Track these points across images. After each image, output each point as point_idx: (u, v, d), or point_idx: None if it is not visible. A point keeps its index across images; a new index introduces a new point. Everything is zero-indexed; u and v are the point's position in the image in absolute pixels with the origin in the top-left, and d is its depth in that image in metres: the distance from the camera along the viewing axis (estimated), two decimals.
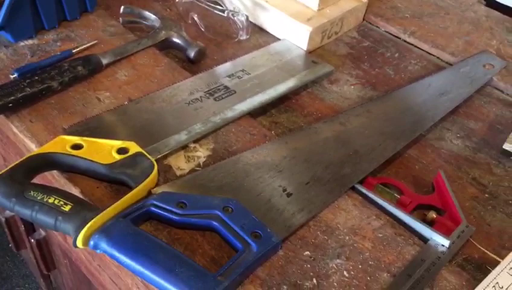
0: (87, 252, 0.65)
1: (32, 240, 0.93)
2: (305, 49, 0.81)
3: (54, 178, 0.58)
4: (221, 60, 0.78)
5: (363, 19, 0.91)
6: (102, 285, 0.68)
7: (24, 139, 0.61)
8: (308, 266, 0.50)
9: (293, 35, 0.82)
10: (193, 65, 0.77)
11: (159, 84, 0.71)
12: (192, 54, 0.76)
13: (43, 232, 0.94)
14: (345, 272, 0.50)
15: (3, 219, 0.97)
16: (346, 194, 0.58)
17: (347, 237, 0.53)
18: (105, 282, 0.66)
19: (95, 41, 0.76)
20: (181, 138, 0.62)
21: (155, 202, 0.51)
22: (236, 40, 0.83)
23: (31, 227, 0.98)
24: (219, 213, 0.51)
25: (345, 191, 0.58)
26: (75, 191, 0.55)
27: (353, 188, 0.58)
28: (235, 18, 0.82)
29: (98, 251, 0.48)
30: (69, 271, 0.93)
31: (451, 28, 0.89)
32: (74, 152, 0.56)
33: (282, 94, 0.72)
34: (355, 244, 0.52)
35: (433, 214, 0.56)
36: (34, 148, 0.60)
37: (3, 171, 0.51)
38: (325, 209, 0.56)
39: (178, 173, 0.58)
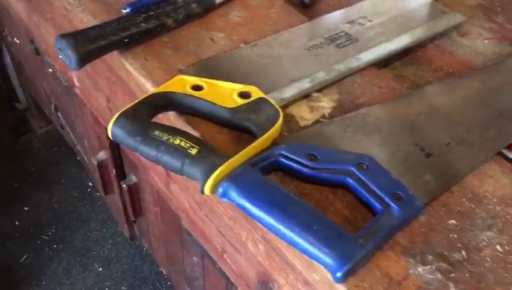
0: (194, 201, 0.62)
1: (124, 185, 0.93)
2: None
3: (169, 120, 0.54)
4: (336, 6, 0.72)
5: None
6: (204, 236, 0.66)
7: (139, 78, 0.58)
8: (455, 236, 0.44)
9: None
10: (307, 10, 0.71)
11: (274, 28, 0.65)
12: None
13: (134, 178, 0.93)
14: (498, 247, 0.44)
15: (95, 163, 0.97)
16: (493, 159, 0.51)
17: (498, 208, 0.46)
18: (210, 233, 0.63)
19: None
20: (304, 86, 0.56)
21: (284, 152, 0.47)
22: None
23: (121, 172, 0.98)
24: (354, 169, 0.46)
25: (492, 156, 0.51)
26: (194, 135, 0.51)
27: (499, 154, 0.51)
28: None
29: (225, 200, 0.44)
30: (158, 219, 0.92)
31: None
32: (195, 93, 0.52)
33: (410, 45, 0.64)
34: (508, 217, 0.46)
35: None
36: (149, 88, 0.57)
37: (125, 108, 0.48)
38: (469, 175, 0.49)
39: (301, 123, 0.53)
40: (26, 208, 1.59)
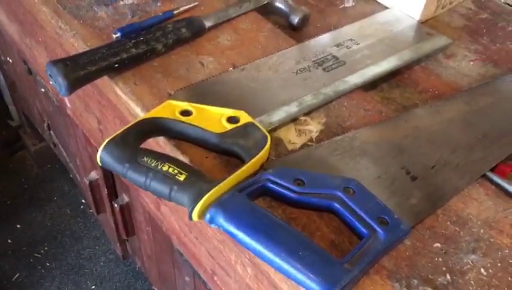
0: (184, 223, 0.63)
1: (116, 205, 0.93)
2: (417, 19, 0.74)
3: (158, 145, 0.55)
4: (325, 28, 0.73)
5: None
6: (195, 257, 0.66)
7: (128, 102, 0.59)
8: (440, 259, 0.45)
9: (404, 4, 0.75)
10: (295, 32, 0.72)
11: (263, 51, 0.66)
12: (296, 20, 0.71)
13: (126, 198, 0.94)
14: (482, 270, 0.44)
15: (87, 182, 0.98)
16: (477, 182, 0.52)
17: (481, 231, 0.47)
18: (200, 255, 0.63)
19: (196, 3, 0.72)
20: (292, 110, 0.57)
21: (271, 177, 0.47)
22: (341, 7, 0.77)
23: (113, 192, 0.98)
24: (340, 194, 0.47)
25: (476, 178, 0.52)
26: (183, 160, 0.52)
27: (484, 176, 0.52)
28: None
29: (213, 226, 0.45)
30: (150, 238, 0.93)
31: None
32: (184, 118, 0.52)
33: (397, 67, 0.66)
34: (491, 239, 0.46)
35: None
36: (139, 112, 0.57)
37: (114, 134, 0.49)
38: (454, 198, 0.50)
39: (289, 147, 0.54)
40: (18, 226, 1.58)
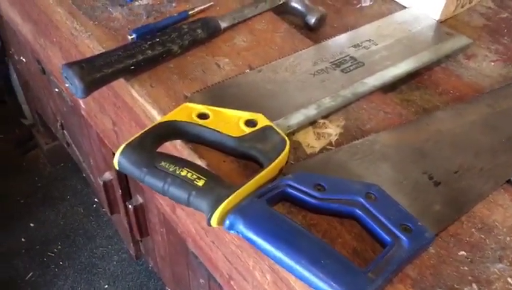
0: (200, 226, 0.62)
1: (130, 206, 0.93)
2: (436, 18, 0.72)
3: (175, 148, 0.54)
4: (342, 28, 0.72)
5: None
6: (211, 261, 0.65)
7: (145, 105, 0.58)
8: (465, 268, 0.44)
9: (424, 3, 0.73)
10: (311, 32, 0.71)
11: (279, 52, 0.65)
12: (312, 20, 0.70)
13: (140, 199, 0.93)
14: (509, 279, 0.43)
15: (101, 183, 0.97)
16: (502, 187, 0.50)
17: (508, 238, 0.46)
18: (216, 259, 0.63)
19: (211, 3, 0.71)
20: (310, 113, 0.56)
21: (291, 183, 0.47)
22: (358, 6, 0.76)
23: (127, 193, 0.98)
24: (362, 200, 0.45)
25: (501, 184, 0.50)
26: (201, 164, 0.51)
27: (508, 181, 0.51)
28: None
29: (232, 232, 0.44)
30: (164, 240, 0.92)
31: None
32: (201, 122, 0.52)
33: (416, 68, 0.64)
34: None
35: None
36: (155, 115, 0.57)
37: (132, 138, 0.48)
38: (479, 204, 0.49)
39: (308, 151, 0.53)
40: (32, 224, 1.59)
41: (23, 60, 1.32)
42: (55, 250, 1.53)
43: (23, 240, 1.55)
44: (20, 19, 0.95)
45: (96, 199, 1.67)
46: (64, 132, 1.30)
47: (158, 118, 0.57)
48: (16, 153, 1.78)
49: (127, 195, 0.98)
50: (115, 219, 1.16)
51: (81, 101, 0.83)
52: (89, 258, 1.51)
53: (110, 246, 1.55)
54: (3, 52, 1.58)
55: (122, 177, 0.95)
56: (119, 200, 1.00)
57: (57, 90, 1.10)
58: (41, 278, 1.46)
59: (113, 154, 0.89)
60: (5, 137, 1.83)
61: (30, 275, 1.46)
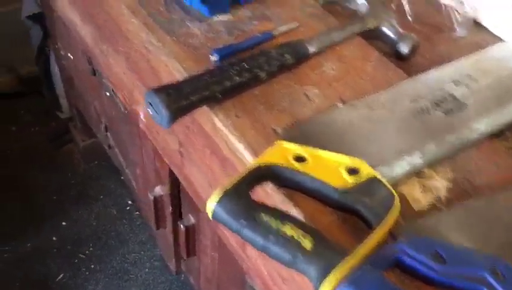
0: (276, 272, 0.57)
1: (181, 226, 0.88)
2: None
3: (265, 191, 0.49)
4: (435, 60, 0.66)
5: None
6: None
7: (229, 136, 0.53)
8: None
9: None
10: (402, 62, 0.65)
11: (372, 83, 0.60)
12: (406, 49, 0.64)
13: (192, 219, 0.89)
14: None
15: (151, 197, 0.93)
16: None
17: None
18: None
19: (297, 24, 0.66)
20: (415, 161, 0.50)
21: (406, 249, 0.41)
22: (451, 35, 0.70)
23: (178, 210, 0.93)
24: (488, 278, 0.40)
25: None
26: (295, 213, 0.46)
27: None
28: (454, 8, 0.69)
29: None
30: (214, 264, 0.87)
31: None
32: (300, 167, 0.46)
33: None
34: None
35: None
36: (240, 149, 0.52)
37: (227, 185, 0.43)
38: None
39: (415, 206, 0.47)
40: (64, 223, 1.56)
41: (71, 56, 1.28)
42: (87, 252, 1.49)
43: (54, 238, 1.51)
44: (80, 20, 0.91)
45: (129, 201, 1.63)
46: (108, 134, 1.26)
47: (244, 153, 0.52)
48: (50, 147, 1.75)
49: (177, 213, 0.93)
50: (158, 233, 1.12)
51: (141, 115, 0.78)
52: (121, 263, 1.47)
53: (142, 252, 1.50)
54: (44, 44, 1.55)
55: (175, 194, 0.90)
56: (167, 217, 0.96)
57: (107, 94, 1.06)
58: (71, 280, 1.42)
59: (170, 172, 0.84)
60: (41, 129, 1.80)
61: (61, 276, 1.42)
